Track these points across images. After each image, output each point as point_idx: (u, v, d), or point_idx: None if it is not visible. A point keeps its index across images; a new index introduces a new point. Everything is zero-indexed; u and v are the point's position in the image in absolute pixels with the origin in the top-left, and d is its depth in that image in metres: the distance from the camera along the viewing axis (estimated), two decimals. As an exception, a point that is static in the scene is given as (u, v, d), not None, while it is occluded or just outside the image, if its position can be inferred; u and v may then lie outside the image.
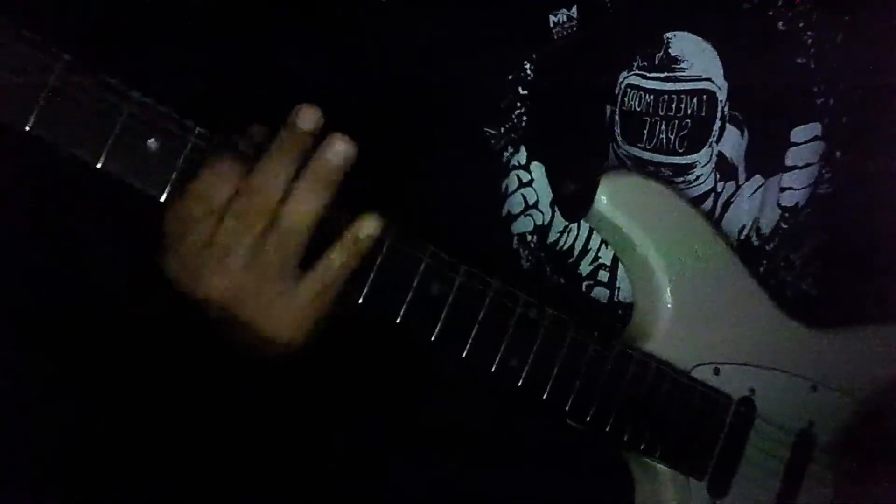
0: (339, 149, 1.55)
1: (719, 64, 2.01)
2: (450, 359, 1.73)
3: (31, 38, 1.42)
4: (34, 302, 2.25)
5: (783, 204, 2.08)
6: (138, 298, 2.06)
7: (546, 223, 2.04)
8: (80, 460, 2.32)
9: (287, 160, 1.54)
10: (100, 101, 1.45)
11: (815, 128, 2.07)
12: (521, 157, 2.03)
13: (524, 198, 2.04)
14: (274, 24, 2.11)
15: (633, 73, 2.00)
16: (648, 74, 2.00)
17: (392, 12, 2.01)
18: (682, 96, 1.99)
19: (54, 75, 1.42)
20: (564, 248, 2.04)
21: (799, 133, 2.06)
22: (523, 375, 1.77)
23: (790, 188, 2.08)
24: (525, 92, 2.00)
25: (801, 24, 2.04)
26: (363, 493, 2.17)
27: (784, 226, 2.10)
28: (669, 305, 1.91)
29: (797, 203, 2.09)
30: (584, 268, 2.05)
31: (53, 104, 1.42)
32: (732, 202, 2.05)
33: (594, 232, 2.01)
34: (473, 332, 1.72)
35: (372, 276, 1.64)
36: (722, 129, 2.01)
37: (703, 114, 2.00)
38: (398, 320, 1.67)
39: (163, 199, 1.52)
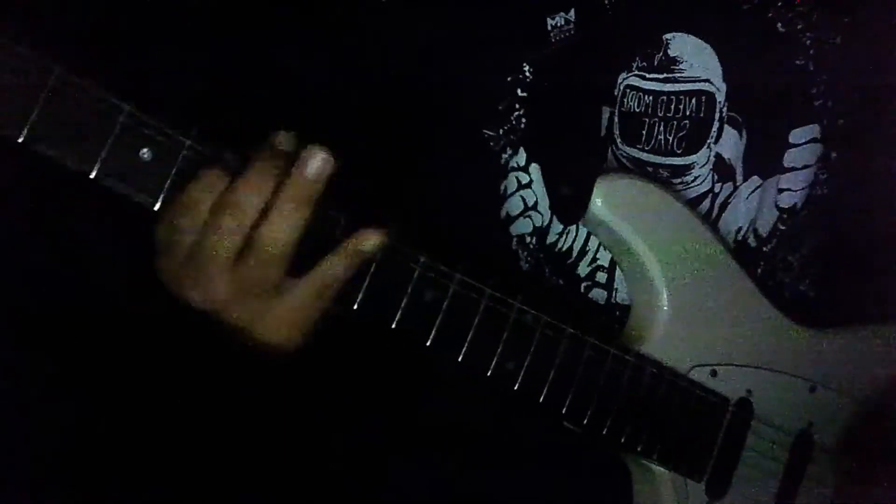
0: (316, 163, 1.54)
1: (718, 65, 2.01)
2: (446, 362, 1.73)
3: (24, 50, 1.42)
4: (34, 302, 2.25)
5: (781, 205, 2.09)
6: (138, 299, 2.06)
7: (545, 225, 2.04)
8: (80, 460, 2.32)
9: (264, 177, 1.53)
10: (93, 112, 1.45)
11: (813, 129, 2.07)
12: (521, 158, 2.03)
13: (523, 199, 2.04)
14: (274, 24, 2.11)
15: (632, 74, 2.00)
16: (647, 75, 2.00)
17: (392, 13, 2.01)
18: (681, 97, 2.00)
19: (47, 86, 1.42)
20: (563, 249, 2.05)
21: (797, 134, 2.06)
22: (519, 379, 1.78)
23: (788, 189, 2.08)
24: (524, 94, 2.00)
25: (800, 26, 2.04)
26: (363, 493, 2.17)
27: (782, 227, 2.10)
28: (666, 307, 1.91)
29: (795, 204, 2.09)
30: (583, 269, 2.05)
31: (46, 116, 1.42)
32: (730, 203, 2.05)
33: (592, 234, 2.01)
34: (468, 337, 1.73)
35: (366, 282, 1.64)
36: (720, 130, 2.01)
37: (702, 115, 2.00)
38: (393, 326, 1.67)
39: (156, 208, 1.52)
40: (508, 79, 1.99)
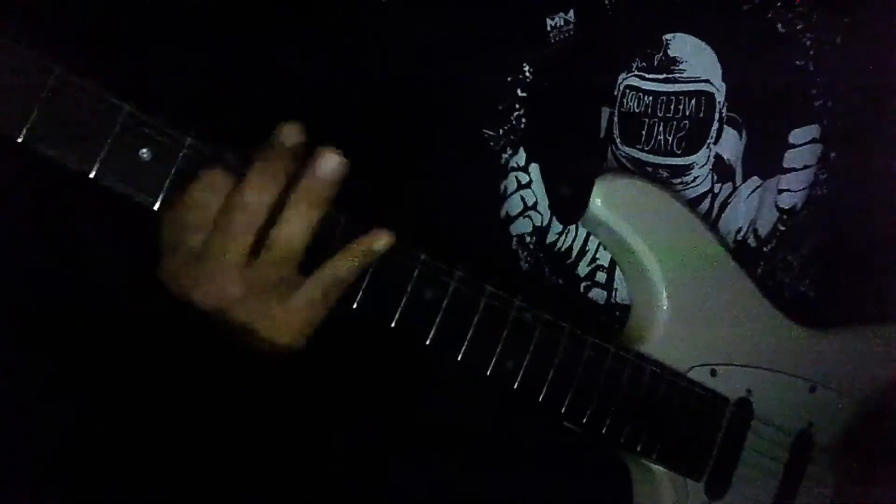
0: (331, 165, 1.53)
1: (718, 65, 2.01)
2: (446, 361, 1.73)
3: (24, 50, 1.42)
4: (34, 302, 2.25)
5: (781, 206, 2.09)
6: (138, 299, 2.06)
7: (545, 224, 2.04)
8: (80, 460, 2.32)
9: (272, 176, 1.52)
10: (93, 112, 1.46)
11: (813, 130, 2.07)
12: (520, 158, 2.03)
13: (523, 199, 2.04)
14: (274, 24, 2.11)
15: (632, 74, 2.00)
16: (647, 76, 2.00)
17: (392, 13, 2.01)
18: (681, 97, 2.00)
19: (47, 86, 1.42)
20: (563, 249, 2.05)
21: (797, 135, 2.06)
22: (519, 378, 1.78)
23: (788, 190, 2.08)
24: (524, 94, 2.00)
25: (800, 27, 2.04)
26: (363, 493, 2.17)
27: (782, 227, 2.10)
28: (665, 307, 1.91)
29: (795, 205, 2.09)
30: (582, 269, 2.05)
31: (46, 115, 1.42)
32: (729, 203, 2.05)
33: (591, 234, 2.01)
34: (468, 336, 1.73)
35: (366, 281, 1.64)
36: (720, 130, 2.01)
37: (702, 115, 2.00)
38: (393, 325, 1.67)
39: (156, 207, 1.52)
40: (508, 79, 1.99)
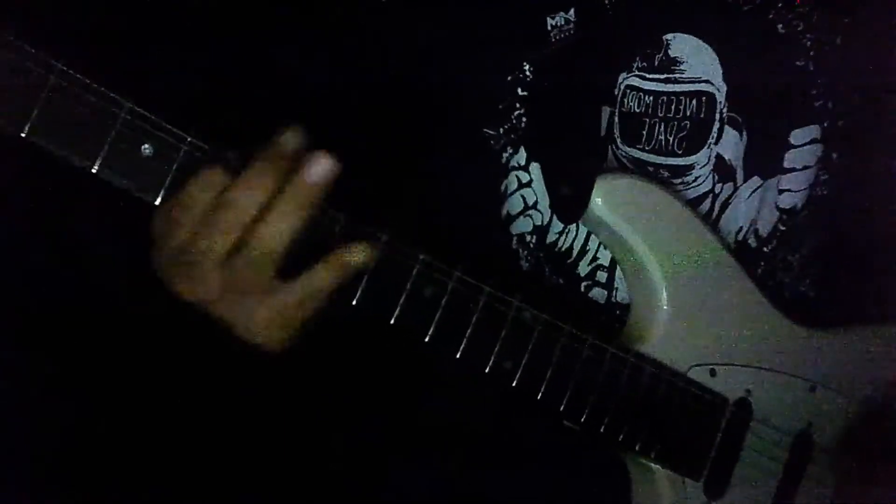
0: (320, 168, 1.54)
1: (719, 66, 2.01)
2: (444, 359, 1.74)
3: (27, 47, 1.43)
4: (34, 302, 2.25)
5: (781, 206, 2.08)
6: (138, 298, 2.06)
7: (545, 224, 2.04)
8: (80, 460, 2.32)
9: (266, 176, 1.53)
10: (94, 108, 1.46)
11: (813, 130, 2.07)
12: (521, 157, 2.03)
13: (523, 198, 2.04)
14: (274, 24, 2.12)
15: (632, 74, 2.00)
16: (648, 76, 2.00)
17: (392, 13, 2.02)
18: (682, 98, 2.00)
19: (50, 83, 1.43)
20: (563, 248, 2.05)
21: (798, 135, 2.06)
22: (517, 377, 1.78)
23: (788, 190, 2.08)
24: (524, 93, 2.00)
25: (800, 27, 2.04)
26: (363, 493, 2.17)
27: (782, 228, 2.10)
28: (665, 307, 1.91)
29: (795, 205, 2.09)
30: (583, 268, 2.05)
31: (49, 111, 1.43)
32: (730, 203, 2.05)
33: (592, 233, 2.01)
34: (467, 334, 1.73)
35: (365, 279, 1.64)
36: (721, 130, 2.01)
37: (702, 115, 2.00)
38: (392, 321, 1.67)
39: (157, 203, 1.53)
40: (509, 78, 1.99)
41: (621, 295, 2.03)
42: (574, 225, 2.03)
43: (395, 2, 2.02)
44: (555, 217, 2.03)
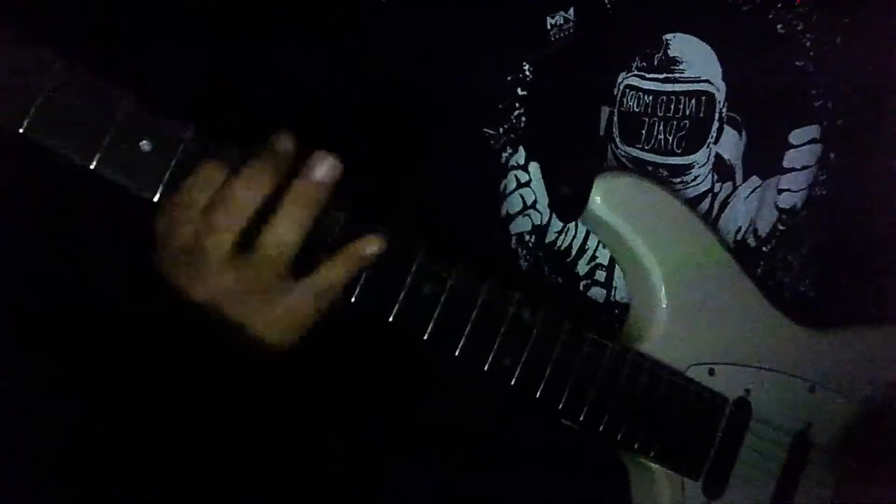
0: (324, 168, 1.55)
1: (718, 65, 2.01)
2: (443, 357, 1.74)
3: (26, 42, 1.43)
4: (34, 302, 2.26)
5: (780, 206, 2.08)
6: (138, 298, 2.06)
7: (544, 223, 2.05)
8: (80, 460, 2.32)
9: (266, 174, 1.53)
10: (93, 104, 1.46)
11: (813, 130, 2.07)
12: (520, 157, 2.03)
13: (522, 198, 2.04)
14: (274, 24, 2.12)
15: (632, 73, 2.00)
16: (647, 75, 2.00)
17: (392, 12, 2.02)
18: (681, 97, 2.00)
19: (49, 79, 1.43)
20: (562, 247, 2.05)
21: (797, 135, 2.06)
22: (516, 374, 1.78)
23: (788, 190, 2.08)
24: (524, 93, 2.00)
25: (799, 27, 2.04)
26: (363, 493, 2.17)
27: (781, 227, 2.10)
28: (665, 305, 1.91)
29: (795, 205, 2.09)
30: (582, 268, 2.05)
31: (48, 107, 1.43)
32: (729, 203, 2.05)
33: (591, 232, 2.01)
34: (466, 331, 1.73)
35: (365, 275, 1.64)
36: (720, 130, 2.01)
37: (702, 115, 2.00)
38: (390, 319, 1.67)
39: (156, 199, 1.53)
40: (508, 78, 1.99)
41: (620, 294, 2.03)
42: (573, 224, 2.03)
43: (395, 2, 2.02)
44: (554, 216, 2.04)
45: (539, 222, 2.05)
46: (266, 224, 1.54)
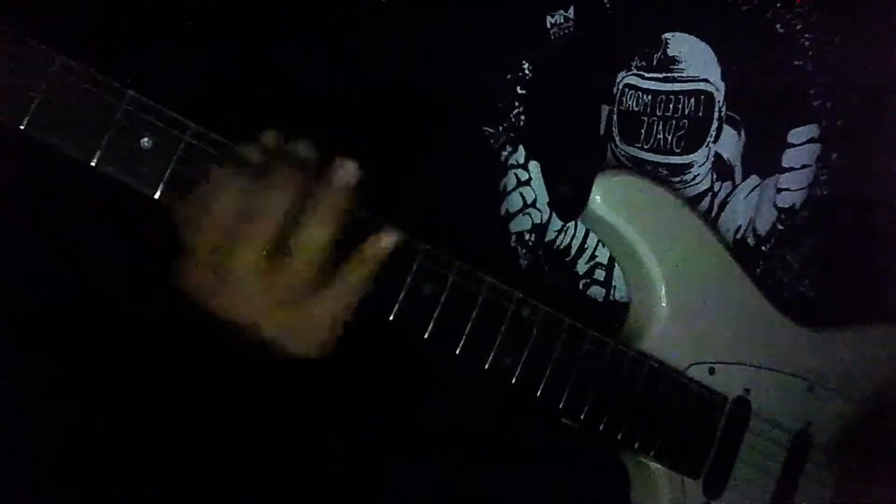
0: (348, 175, 1.55)
1: (717, 65, 2.01)
2: (443, 356, 1.74)
3: (27, 39, 1.43)
4: (34, 302, 2.26)
5: (780, 205, 2.09)
6: (138, 298, 2.06)
7: (544, 222, 2.05)
8: (80, 460, 2.32)
9: (292, 183, 1.52)
10: (94, 100, 1.46)
11: (812, 129, 2.07)
12: (520, 156, 2.03)
13: (522, 196, 2.04)
14: (274, 24, 2.12)
15: (631, 73, 2.01)
16: (646, 75, 2.00)
17: (392, 12, 2.02)
18: (680, 97, 2.00)
19: (49, 75, 1.43)
20: (562, 246, 2.05)
21: (796, 135, 2.06)
22: (517, 373, 1.77)
23: (787, 189, 2.08)
24: (524, 91, 2.00)
25: (799, 27, 2.05)
26: (363, 493, 2.17)
27: (781, 227, 2.10)
28: (664, 304, 1.91)
29: (794, 204, 2.09)
30: (581, 266, 2.05)
31: (48, 103, 1.43)
32: (729, 202, 2.05)
33: (591, 231, 2.01)
34: (466, 330, 1.72)
35: None
36: (719, 129, 2.01)
37: (701, 114, 2.00)
38: (391, 318, 1.67)
39: (157, 196, 1.52)
40: (508, 76, 2.00)
41: (619, 293, 2.03)
42: (572, 223, 2.03)
43: (395, 2, 2.02)
44: (554, 215, 2.04)
45: (539, 221, 2.05)
46: (295, 231, 1.53)
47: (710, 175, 2.03)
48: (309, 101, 1.96)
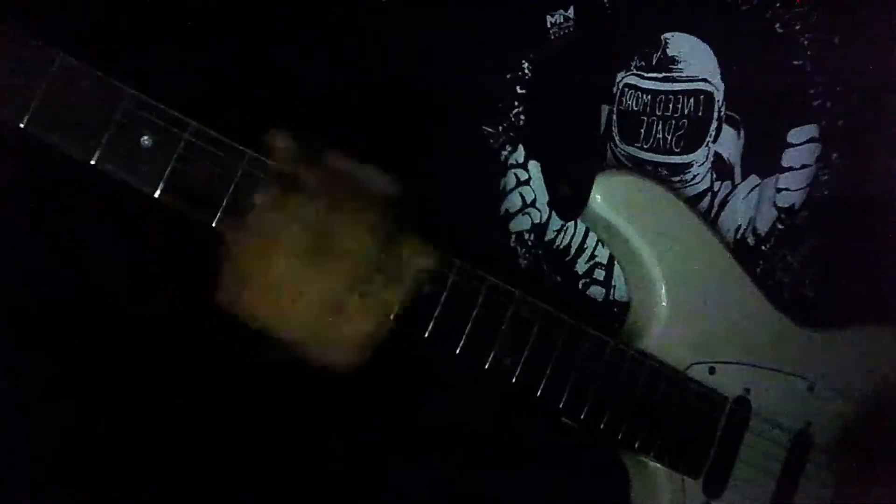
0: (388, 186, 1.62)
1: (717, 65, 2.01)
2: (443, 356, 1.74)
3: (27, 38, 1.43)
4: (34, 302, 2.25)
5: (779, 204, 2.09)
6: (138, 298, 2.06)
7: (543, 221, 2.05)
8: (80, 460, 2.32)
9: (345, 201, 1.57)
10: (94, 99, 1.46)
11: (811, 129, 2.07)
12: (519, 155, 2.03)
13: (522, 196, 2.04)
14: (274, 24, 2.12)
15: (630, 73, 2.01)
16: (646, 74, 2.00)
17: (392, 12, 2.02)
18: (680, 96, 2.00)
19: (50, 74, 1.43)
20: (561, 246, 2.05)
21: (795, 134, 2.06)
22: (517, 373, 1.78)
23: (786, 189, 2.08)
24: (523, 91, 2.00)
25: (798, 27, 2.05)
26: (363, 493, 2.17)
27: (780, 227, 2.10)
28: (664, 304, 1.91)
29: (793, 204, 2.09)
30: (581, 266, 2.05)
31: (48, 102, 1.44)
32: (728, 202, 2.05)
33: (590, 230, 2.01)
34: (466, 330, 1.73)
35: None
36: (718, 129, 2.02)
37: (700, 114, 2.00)
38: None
39: (156, 195, 1.53)
40: (508, 76, 2.00)
41: (619, 293, 2.03)
42: (572, 222, 2.03)
43: (395, 2, 2.02)
44: (553, 215, 2.04)
45: (538, 221, 2.05)
46: (339, 243, 1.56)
47: (709, 175, 2.03)
48: (309, 100, 1.96)
